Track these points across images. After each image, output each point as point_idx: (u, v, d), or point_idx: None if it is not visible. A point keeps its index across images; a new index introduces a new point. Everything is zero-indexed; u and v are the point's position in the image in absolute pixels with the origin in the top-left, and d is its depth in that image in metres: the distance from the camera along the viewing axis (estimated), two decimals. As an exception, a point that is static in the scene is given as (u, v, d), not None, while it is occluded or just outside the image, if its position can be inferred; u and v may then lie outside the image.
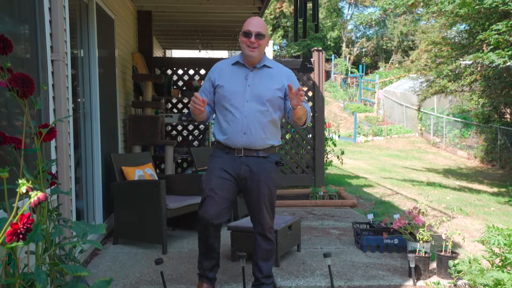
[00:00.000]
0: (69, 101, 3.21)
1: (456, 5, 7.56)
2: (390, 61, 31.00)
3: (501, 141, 13.52)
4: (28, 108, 1.78)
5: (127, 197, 4.22)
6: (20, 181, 1.17)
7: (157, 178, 4.62)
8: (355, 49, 31.69)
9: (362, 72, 27.29)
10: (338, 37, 31.78)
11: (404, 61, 28.15)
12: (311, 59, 6.84)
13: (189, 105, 3.10)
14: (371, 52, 32.36)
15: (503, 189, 9.91)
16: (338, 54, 31.71)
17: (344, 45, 31.93)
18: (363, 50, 32.04)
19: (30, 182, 1.22)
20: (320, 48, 6.66)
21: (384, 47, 31.57)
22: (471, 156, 15.06)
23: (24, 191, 1.16)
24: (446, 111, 17.74)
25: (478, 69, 7.64)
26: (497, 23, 6.48)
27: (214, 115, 3.02)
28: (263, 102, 2.82)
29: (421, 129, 18.96)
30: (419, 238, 3.42)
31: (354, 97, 26.15)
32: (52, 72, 2.93)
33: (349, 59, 30.69)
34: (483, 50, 6.79)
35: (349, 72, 28.43)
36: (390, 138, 19.40)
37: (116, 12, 5.04)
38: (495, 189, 9.88)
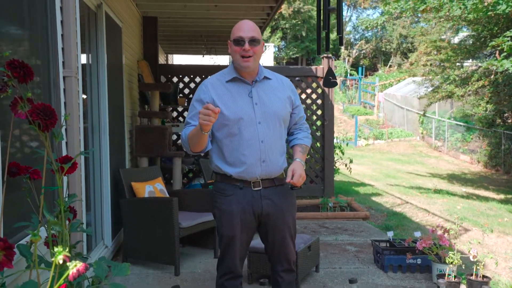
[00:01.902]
0: (81, 119, 3.02)
1: (464, 10, 7.43)
2: (389, 63, 30.90)
3: (505, 145, 13.41)
4: (50, 141, 1.60)
5: (138, 215, 4.04)
6: (56, 249, 0.99)
7: (167, 194, 4.44)
8: (354, 51, 31.58)
9: (362, 75, 27.16)
10: (337, 39, 31.62)
11: (404, 63, 28.07)
12: (320, 67, 6.67)
13: (186, 128, 2.43)
14: (370, 54, 32.23)
15: (510, 196, 9.79)
16: (336, 56, 31.58)
17: (343, 47, 31.80)
18: (362, 52, 31.93)
19: (63, 245, 1.04)
20: (330, 55, 6.49)
21: (383, 49, 31.44)
22: (474, 160, 14.94)
23: (60, 261, 0.99)
24: (447, 115, 17.63)
25: (492, 76, 7.50)
26: (511, 30, 6.34)
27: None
28: (277, 121, 2.44)
29: (422, 133, 18.84)
30: (449, 261, 3.25)
31: (354, 99, 26.00)
32: (64, 89, 2.75)
33: (348, 61, 30.58)
34: (496, 57, 6.65)
35: (348, 74, 28.30)
36: (391, 141, 19.27)
37: (123, 19, 4.86)
38: (502, 196, 9.76)
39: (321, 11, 3.67)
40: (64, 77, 2.73)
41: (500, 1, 6.30)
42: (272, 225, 2.50)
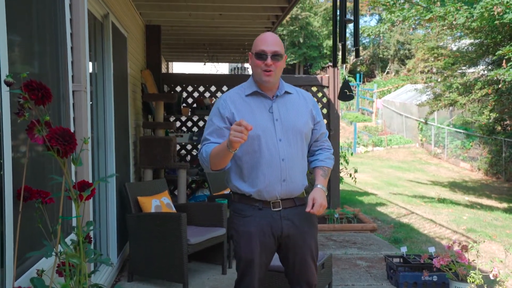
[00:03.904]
0: (89, 133, 2.90)
1: (468, 18, 7.37)
2: (387, 70, 30.92)
3: (506, 153, 13.36)
4: (67, 166, 1.48)
5: (144, 230, 3.91)
6: None
7: (174, 208, 4.32)
8: (351, 57, 31.59)
9: (360, 81, 27.15)
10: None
11: (401, 70, 28.09)
12: (326, 76, 6.59)
13: (206, 145, 2.31)
14: (367, 61, 32.24)
15: (513, 204, 9.73)
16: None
17: (340, 53, 31.83)
18: (359, 58, 31.92)
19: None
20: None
21: (381, 55, 31.46)
22: (474, 168, 14.88)
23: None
24: (446, 122, 17.59)
25: (500, 85, 7.42)
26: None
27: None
28: (298, 138, 2.34)
29: (421, 140, 18.78)
30: (470, 280, 3.15)
31: (352, 106, 25.96)
32: (73, 104, 2.63)
33: (346, 67, 30.56)
34: (503, 66, 6.59)
35: (346, 81, 28.23)
36: (390, 148, 19.19)
37: (128, 29, 4.75)
38: (505, 205, 9.68)
39: (337, 22, 3.57)
40: (73, 92, 2.61)
41: (507, 10, 6.25)
42: (292, 247, 2.39)
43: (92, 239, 1.78)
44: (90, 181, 3.06)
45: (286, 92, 2.39)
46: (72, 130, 2.64)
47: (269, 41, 2.26)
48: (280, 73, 2.33)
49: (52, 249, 1.62)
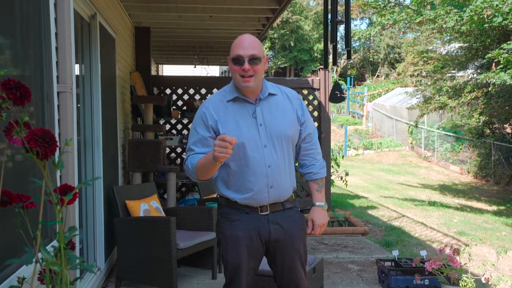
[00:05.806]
0: (75, 138, 2.83)
1: (458, 22, 7.40)
2: (377, 73, 31.07)
3: (495, 156, 13.44)
4: (48, 169, 1.42)
5: (132, 235, 3.84)
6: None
7: (163, 212, 4.25)
8: (342, 61, 31.70)
9: (350, 85, 27.23)
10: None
11: (391, 73, 28.25)
12: (317, 78, 6.56)
13: (191, 157, 2.25)
14: (358, 64, 32.38)
15: (502, 207, 9.77)
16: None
17: (331, 57, 31.89)
18: (350, 62, 32.04)
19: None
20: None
21: (371, 59, 31.60)
22: (464, 171, 14.95)
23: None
24: (436, 125, 17.68)
25: (490, 88, 7.46)
26: (509, 42, 6.31)
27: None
28: (284, 142, 2.27)
29: (411, 143, 18.86)
30: (462, 284, 3.12)
31: (342, 109, 26.03)
32: (58, 106, 2.56)
33: (336, 71, 30.66)
34: (492, 70, 6.62)
35: (337, 84, 28.29)
36: (380, 151, 19.25)
37: (116, 30, 4.68)
38: (495, 207, 9.73)
39: (328, 23, 3.53)
40: (58, 93, 2.54)
41: (496, 14, 6.28)
42: (280, 251, 2.34)
43: (75, 245, 1.71)
44: (76, 185, 2.99)
45: (270, 94, 2.31)
46: (56, 132, 2.57)
47: (245, 45, 2.15)
48: (261, 77, 2.24)
49: (33, 255, 1.55)
